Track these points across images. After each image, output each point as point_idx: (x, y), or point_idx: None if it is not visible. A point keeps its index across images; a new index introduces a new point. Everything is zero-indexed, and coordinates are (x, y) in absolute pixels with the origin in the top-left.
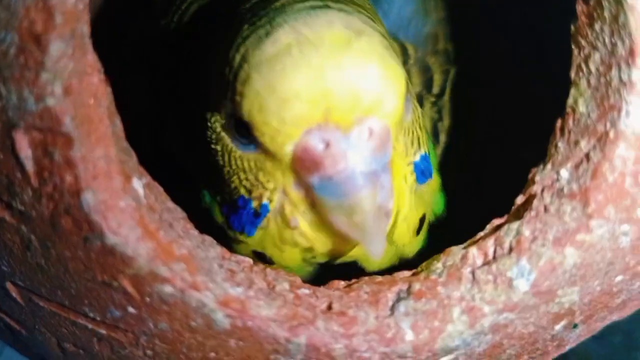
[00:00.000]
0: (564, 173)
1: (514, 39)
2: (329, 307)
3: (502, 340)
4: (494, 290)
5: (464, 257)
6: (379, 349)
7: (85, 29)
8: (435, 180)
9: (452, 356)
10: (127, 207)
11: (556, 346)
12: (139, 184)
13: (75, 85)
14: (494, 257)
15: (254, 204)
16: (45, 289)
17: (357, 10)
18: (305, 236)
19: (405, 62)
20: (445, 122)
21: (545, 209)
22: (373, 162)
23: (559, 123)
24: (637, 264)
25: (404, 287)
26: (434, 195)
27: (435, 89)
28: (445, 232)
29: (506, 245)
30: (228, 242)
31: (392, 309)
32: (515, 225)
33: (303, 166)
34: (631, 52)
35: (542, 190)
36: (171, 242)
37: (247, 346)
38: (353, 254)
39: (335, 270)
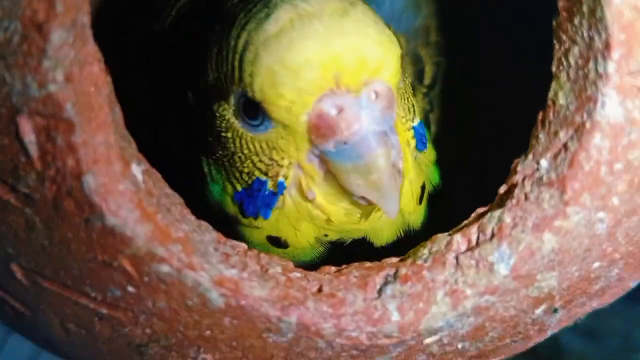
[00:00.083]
0: (544, 163)
1: (514, 39)
2: (319, 290)
3: (485, 323)
4: (475, 274)
5: (448, 244)
6: (366, 328)
7: (85, 19)
8: (430, 152)
9: (436, 337)
10: (126, 191)
11: (537, 330)
12: (138, 169)
13: (76, 73)
14: (477, 243)
15: (270, 184)
16: (48, 270)
17: None
18: (322, 208)
19: None
20: (437, 114)
21: (526, 197)
22: (383, 122)
23: (540, 115)
24: (613, 251)
25: (391, 271)
26: (430, 167)
27: (427, 80)
28: (447, 227)
29: (488, 232)
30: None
31: (380, 291)
32: (497, 212)
33: (319, 133)
34: (607, 45)
35: (523, 180)
36: (168, 225)
37: (241, 324)
38: (363, 228)
39: (344, 253)
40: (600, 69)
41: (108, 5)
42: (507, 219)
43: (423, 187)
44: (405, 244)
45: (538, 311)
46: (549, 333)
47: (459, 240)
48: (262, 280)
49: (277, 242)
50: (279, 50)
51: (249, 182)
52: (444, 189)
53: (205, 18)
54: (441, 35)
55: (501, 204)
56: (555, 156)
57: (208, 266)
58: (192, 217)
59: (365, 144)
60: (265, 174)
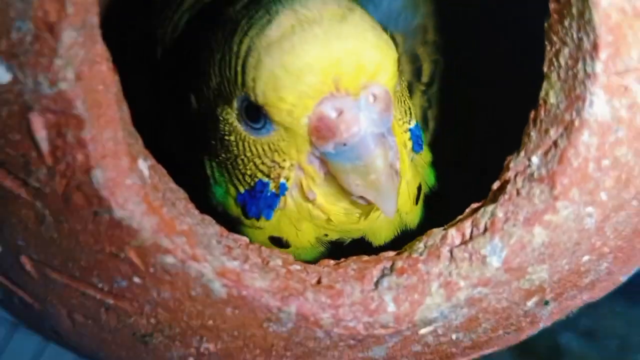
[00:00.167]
0: (535, 159)
1: (513, 39)
2: (319, 281)
3: (478, 314)
4: (469, 267)
5: (443, 237)
6: (363, 318)
7: (95, 20)
8: (426, 154)
9: (431, 328)
10: (133, 185)
11: (530, 322)
12: (144, 165)
13: (85, 72)
14: (471, 237)
15: (272, 185)
16: (57, 262)
17: None
18: (322, 208)
19: None
20: (435, 111)
21: (517, 193)
22: (380, 124)
23: (532, 114)
24: (602, 245)
25: (388, 264)
26: (426, 168)
27: (425, 78)
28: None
29: (481, 226)
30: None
31: (376, 284)
32: (490, 207)
33: (319, 135)
34: (595, 46)
35: (515, 176)
36: (173, 218)
37: (242, 314)
38: (362, 228)
39: (344, 252)
40: (589, 69)
41: (109, 5)
42: (500, 214)
43: (419, 188)
44: (403, 244)
45: (530, 303)
46: (541, 325)
47: (453, 235)
48: (263, 272)
49: (279, 242)
50: (280, 55)
51: (252, 183)
52: (441, 189)
53: (206, 24)
54: (439, 34)
55: (494, 200)
56: (546, 153)
57: (211, 258)
58: (196, 212)
59: (364, 146)
60: (268, 175)
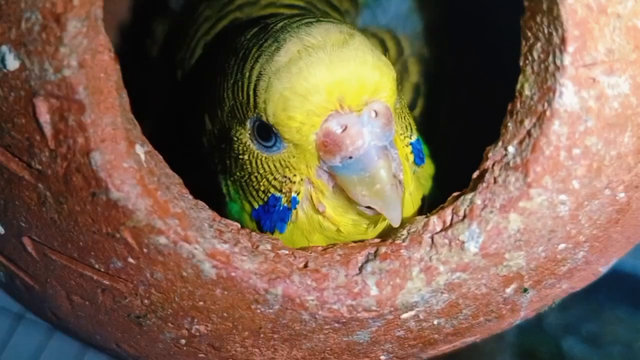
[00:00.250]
0: (511, 149)
1: (514, 41)
2: (305, 265)
3: (458, 300)
4: (448, 252)
5: (425, 224)
6: (346, 301)
7: (98, 12)
8: (428, 166)
9: (412, 312)
10: (129, 168)
11: (510, 310)
12: (141, 150)
13: (88, 60)
14: (451, 224)
15: (284, 199)
16: (57, 242)
17: (341, 22)
18: (331, 219)
19: (400, 54)
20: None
21: (495, 181)
22: (383, 137)
23: (509, 107)
24: (578, 233)
25: (372, 250)
26: (428, 181)
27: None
28: None
29: (461, 213)
30: None
31: (361, 268)
32: (469, 195)
33: (326, 150)
34: (563, 40)
35: (493, 165)
36: (167, 201)
37: (231, 295)
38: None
39: None
40: (558, 62)
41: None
42: (478, 201)
43: (423, 199)
44: None
45: (509, 290)
46: (522, 314)
47: (435, 221)
48: (252, 255)
49: None
50: (289, 78)
51: (265, 199)
52: (444, 201)
53: (220, 49)
54: (445, 37)
55: (474, 188)
56: (521, 142)
57: (202, 240)
58: (190, 197)
59: (368, 158)
60: (280, 190)
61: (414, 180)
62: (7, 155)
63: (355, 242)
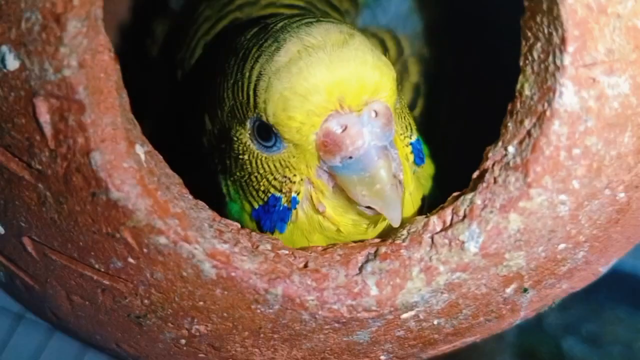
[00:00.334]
0: (511, 149)
1: (514, 41)
2: (305, 265)
3: (458, 300)
4: (448, 252)
5: (425, 224)
6: (346, 301)
7: (99, 12)
8: (428, 166)
9: (412, 312)
10: (129, 168)
11: (510, 310)
12: (141, 150)
13: (88, 60)
14: (451, 224)
15: (284, 199)
16: (57, 242)
17: (341, 22)
18: (331, 219)
19: (400, 54)
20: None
21: (495, 181)
22: (383, 137)
23: (509, 106)
24: (578, 233)
25: (372, 250)
26: (428, 181)
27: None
28: None
29: (461, 213)
30: None
31: (361, 268)
32: (469, 195)
33: (326, 150)
34: (563, 40)
35: (493, 165)
36: (167, 201)
37: (231, 295)
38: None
39: None
40: (558, 62)
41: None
42: (478, 201)
43: (423, 199)
44: None
45: (508, 290)
46: (522, 314)
47: (435, 221)
48: (252, 255)
49: None
50: (289, 78)
51: (265, 199)
52: (444, 201)
53: (220, 49)
54: (445, 37)
55: (474, 188)
56: (521, 142)
57: (202, 240)
58: (190, 196)
59: (368, 158)
60: (280, 190)
61: (414, 180)
62: (7, 155)
63: (355, 242)
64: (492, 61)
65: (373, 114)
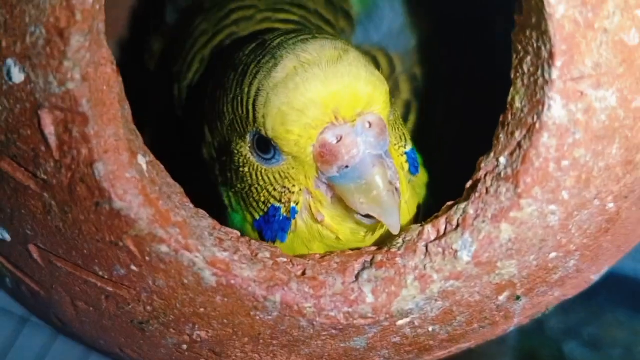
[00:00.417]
0: (502, 160)
1: (510, 43)
2: (303, 273)
3: (452, 307)
4: (442, 261)
5: (420, 233)
6: (343, 308)
7: (101, 26)
8: (423, 175)
9: (408, 319)
10: (132, 178)
11: (503, 317)
12: (143, 160)
13: (91, 73)
14: (445, 233)
15: (283, 209)
16: (62, 250)
17: (336, 38)
18: (330, 228)
19: (392, 72)
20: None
21: (487, 191)
22: (377, 146)
23: (501, 118)
24: (568, 242)
25: (369, 258)
26: (423, 189)
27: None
28: None
29: (454, 222)
30: None
31: (357, 276)
32: (463, 205)
33: (323, 161)
34: (551, 55)
35: (485, 175)
36: (168, 210)
37: (231, 302)
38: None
39: None
40: (547, 76)
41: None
42: (471, 211)
43: (419, 207)
44: None
45: (501, 297)
46: (516, 321)
47: (429, 230)
48: (252, 263)
49: None
50: (286, 94)
51: (265, 209)
52: (438, 209)
53: (218, 63)
54: (436, 54)
55: (467, 198)
56: (512, 154)
57: (203, 248)
58: (191, 205)
59: (364, 166)
60: (279, 200)
61: (409, 188)
62: (14, 166)
63: (353, 249)
64: (487, 62)
65: (367, 125)
